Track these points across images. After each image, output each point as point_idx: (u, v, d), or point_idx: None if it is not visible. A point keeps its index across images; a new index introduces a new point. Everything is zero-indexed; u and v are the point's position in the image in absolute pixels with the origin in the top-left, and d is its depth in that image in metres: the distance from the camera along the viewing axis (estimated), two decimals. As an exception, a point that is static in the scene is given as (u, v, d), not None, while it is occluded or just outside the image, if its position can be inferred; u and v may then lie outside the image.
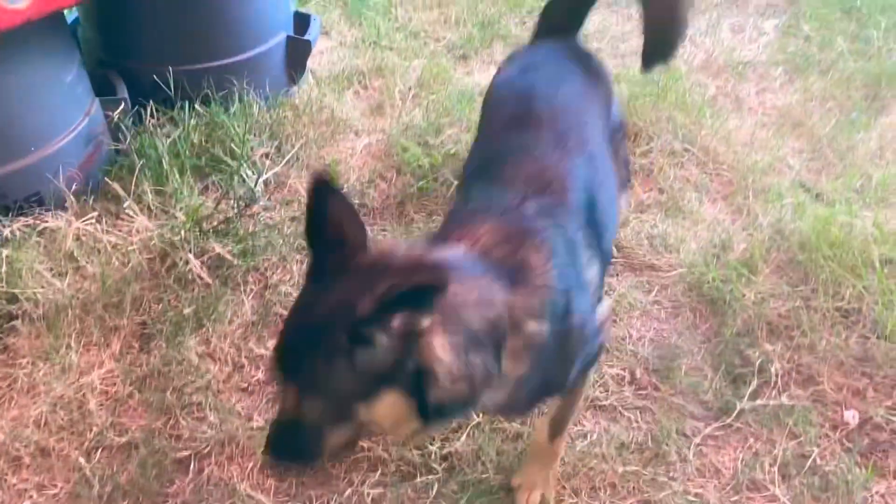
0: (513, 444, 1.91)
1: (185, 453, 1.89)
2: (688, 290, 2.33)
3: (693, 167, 2.78)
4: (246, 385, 2.06)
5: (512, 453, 1.89)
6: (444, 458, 1.86)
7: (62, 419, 1.96)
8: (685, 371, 2.08)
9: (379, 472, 1.85)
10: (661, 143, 2.82)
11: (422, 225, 2.52)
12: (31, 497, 1.83)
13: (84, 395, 2.01)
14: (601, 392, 2.03)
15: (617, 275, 2.38)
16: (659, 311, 2.27)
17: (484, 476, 1.84)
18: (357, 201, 2.59)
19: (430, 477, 1.83)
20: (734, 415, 1.98)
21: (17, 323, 2.13)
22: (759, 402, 2.00)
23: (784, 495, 1.82)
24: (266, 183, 2.62)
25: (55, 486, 1.85)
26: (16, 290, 2.15)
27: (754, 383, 2.03)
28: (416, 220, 2.56)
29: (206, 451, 1.90)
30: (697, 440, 1.93)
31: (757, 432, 1.95)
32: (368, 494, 1.80)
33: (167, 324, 2.15)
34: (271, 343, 2.13)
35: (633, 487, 1.83)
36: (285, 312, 2.20)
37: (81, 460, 1.88)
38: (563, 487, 1.82)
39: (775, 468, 1.87)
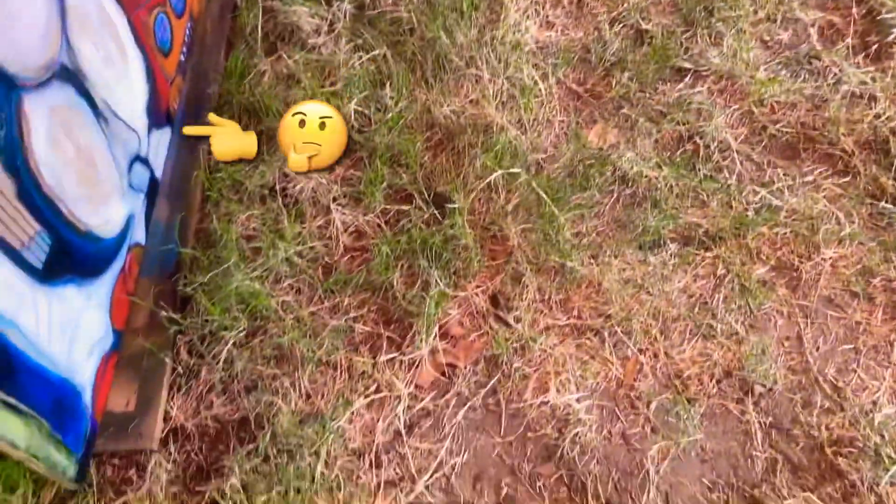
0: None
1: (687, 65, 2.02)
2: None
3: None
4: (768, 39, 2.06)
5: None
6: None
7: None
8: None
9: (843, 178, 1.85)
10: None
11: None
12: (560, 30, 2.12)
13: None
14: None
15: None
16: None
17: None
18: None
19: (891, 207, 1.78)
20: None
21: None
22: None
23: None
24: None
25: (579, 38, 2.11)
26: None
27: None
28: None
29: (704, 73, 2.01)
30: None
31: None
32: (822, 184, 1.83)
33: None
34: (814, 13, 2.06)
35: None
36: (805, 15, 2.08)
37: (605, 24, 2.10)
38: None
39: None
